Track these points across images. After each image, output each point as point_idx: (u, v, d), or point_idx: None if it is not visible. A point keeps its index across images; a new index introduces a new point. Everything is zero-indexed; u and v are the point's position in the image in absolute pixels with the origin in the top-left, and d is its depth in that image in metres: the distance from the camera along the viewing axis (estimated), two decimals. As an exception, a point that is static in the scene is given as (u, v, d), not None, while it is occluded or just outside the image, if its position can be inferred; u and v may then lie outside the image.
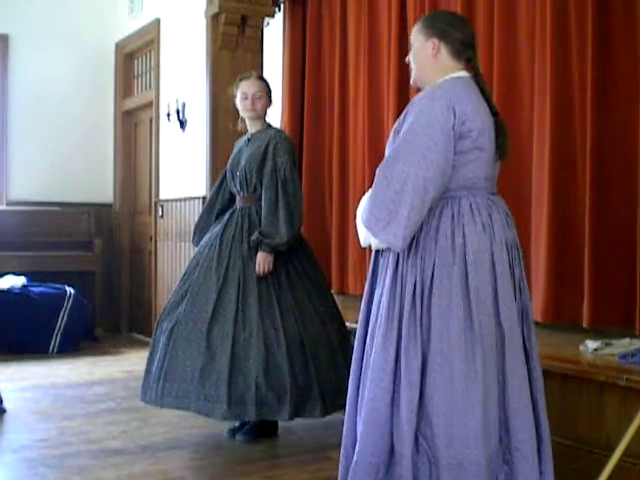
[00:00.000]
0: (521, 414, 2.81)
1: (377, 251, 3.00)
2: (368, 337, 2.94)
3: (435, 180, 2.78)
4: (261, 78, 4.57)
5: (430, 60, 2.99)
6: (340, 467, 2.99)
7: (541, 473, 2.86)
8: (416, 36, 3.03)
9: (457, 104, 2.82)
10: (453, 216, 2.85)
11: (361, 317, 3.03)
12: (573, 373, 3.52)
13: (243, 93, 4.46)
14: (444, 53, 2.98)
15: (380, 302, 2.90)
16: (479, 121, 2.86)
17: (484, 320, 2.79)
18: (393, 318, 2.84)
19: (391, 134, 2.98)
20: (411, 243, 2.84)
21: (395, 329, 2.83)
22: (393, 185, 2.79)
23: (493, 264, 2.84)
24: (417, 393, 2.77)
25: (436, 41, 2.97)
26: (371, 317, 2.95)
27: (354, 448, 2.90)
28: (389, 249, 2.90)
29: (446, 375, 2.76)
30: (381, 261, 2.97)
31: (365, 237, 2.96)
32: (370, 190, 2.88)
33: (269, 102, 4.53)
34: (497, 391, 2.80)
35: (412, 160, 2.77)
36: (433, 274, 2.81)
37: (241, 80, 4.52)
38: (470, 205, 2.88)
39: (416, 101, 2.90)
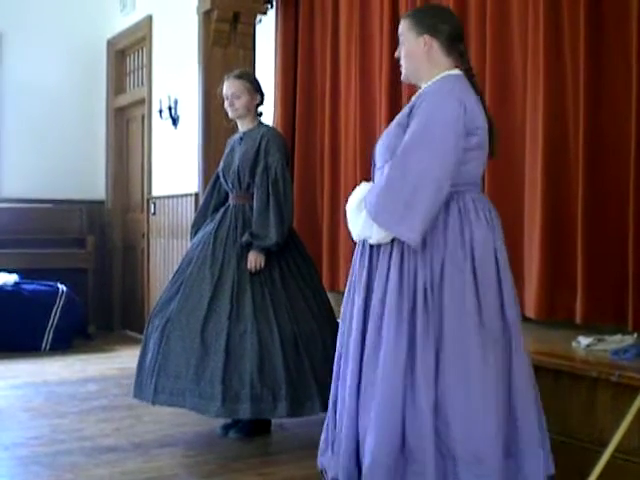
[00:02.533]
0: (528, 412, 2.85)
1: (371, 246, 2.97)
2: (370, 334, 2.89)
3: (449, 175, 2.80)
4: (240, 76, 4.50)
5: (423, 57, 2.99)
6: (339, 468, 2.96)
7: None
8: (406, 33, 3.03)
9: (466, 101, 2.85)
10: (460, 211, 2.87)
11: (356, 314, 2.97)
12: (566, 369, 3.53)
13: (224, 94, 4.47)
14: (436, 49, 2.98)
15: (385, 300, 2.86)
16: (482, 119, 2.90)
17: (493, 316, 2.82)
18: (403, 316, 2.82)
19: (392, 126, 2.96)
20: None
21: (406, 327, 2.81)
22: (410, 179, 2.78)
23: (496, 259, 2.87)
24: (434, 392, 2.77)
25: (427, 37, 2.97)
26: (371, 313, 2.90)
27: (355, 447, 2.89)
28: (390, 244, 2.88)
29: (462, 374, 2.77)
30: (381, 256, 2.93)
31: (361, 231, 2.94)
32: (378, 183, 2.86)
33: (254, 98, 4.49)
34: (507, 389, 2.83)
35: (428, 154, 2.78)
36: (443, 270, 2.81)
37: (225, 81, 4.52)
38: (473, 201, 2.90)
39: (426, 96, 2.89)
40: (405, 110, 2.96)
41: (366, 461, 2.82)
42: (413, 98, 3.02)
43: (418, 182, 2.76)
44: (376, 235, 2.88)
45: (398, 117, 2.99)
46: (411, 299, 2.83)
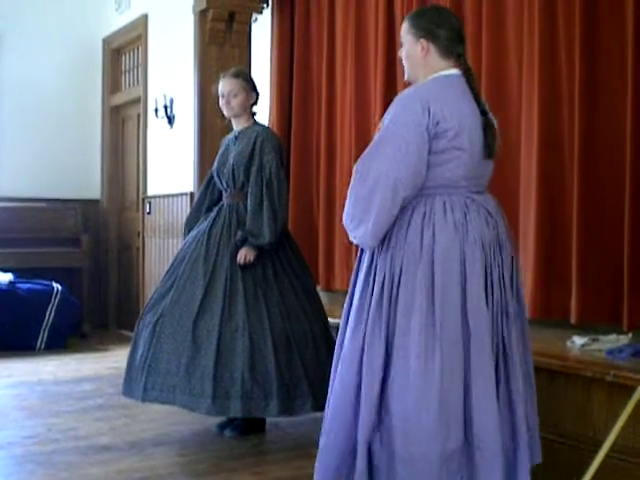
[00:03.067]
0: (486, 414, 2.78)
1: (362, 249, 3.03)
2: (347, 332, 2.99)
3: (407, 180, 2.82)
4: (237, 75, 4.50)
5: (420, 60, 3.01)
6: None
7: (516, 474, 2.85)
8: (405, 36, 3.05)
9: (433, 104, 2.84)
10: (425, 214, 2.88)
11: (345, 311, 3.06)
12: (560, 369, 3.54)
13: (220, 93, 4.47)
14: (433, 53, 2.99)
15: (354, 297, 2.96)
16: (456, 121, 2.86)
17: (449, 318, 2.80)
18: (362, 312, 2.90)
19: (377, 131, 3.01)
20: (384, 238, 2.89)
21: (363, 322, 2.89)
22: (367, 183, 2.85)
23: (463, 263, 2.84)
24: (378, 384, 2.82)
25: (424, 42, 2.99)
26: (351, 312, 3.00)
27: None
28: None
29: (405, 370, 2.80)
30: (363, 257, 3.01)
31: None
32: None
33: (250, 97, 4.49)
34: (461, 390, 2.79)
35: (384, 159, 2.83)
36: (402, 270, 2.85)
37: (221, 79, 4.52)
38: (444, 204, 2.89)
39: (395, 100, 2.95)
40: (385, 114, 2.99)
41: (320, 451, 2.95)
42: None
43: (374, 187, 2.83)
44: (352, 239, 2.98)
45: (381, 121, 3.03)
46: (370, 297, 2.91)
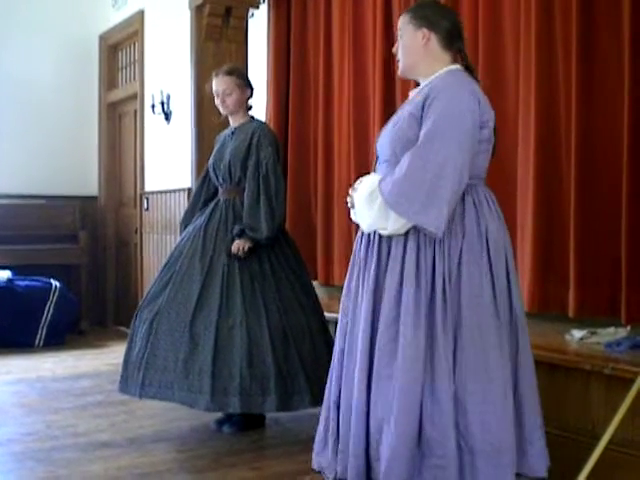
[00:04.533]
0: (532, 398, 2.90)
1: (381, 238, 2.94)
2: (383, 328, 2.86)
3: (467, 166, 2.82)
4: (231, 72, 4.49)
5: (420, 50, 3.00)
6: (347, 467, 2.94)
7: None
8: (405, 27, 3.04)
9: (479, 94, 2.90)
10: (475, 203, 2.89)
11: (364, 309, 2.94)
12: (559, 362, 3.54)
13: (214, 91, 4.47)
14: (434, 43, 2.99)
15: (401, 291, 2.84)
16: (491, 113, 2.94)
17: (505, 307, 2.86)
18: (420, 307, 2.81)
19: (404, 117, 2.94)
20: None
21: (424, 319, 2.80)
22: (431, 168, 2.77)
23: (506, 251, 2.91)
24: (453, 383, 2.77)
25: (426, 31, 2.98)
26: (383, 307, 2.87)
27: (365, 444, 2.88)
28: (403, 235, 2.86)
29: (480, 365, 2.78)
30: (393, 248, 2.90)
31: (373, 221, 2.90)
32: (397, 172, 2.83)
33: (245, 93, 4.49)
34: (513, 376, 2.87)
35: (449, 144, 2.78)
36: (460, 260, 2.82)
37: (214, 77, 4.51)
38: (485, 194, 2.94)
39: (440, 88, 2.88)
40: (417, 101, 2.93)
41: (385, 454, 2.80)
42: (418, 89, 3.04)
43: (440, 172, 2.76)
44: (392, 225, 2.85)
45: (409, 108, 2.96)
46: (429, 290, 2.82)
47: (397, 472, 2.78)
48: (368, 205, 2.91)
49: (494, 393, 2.77)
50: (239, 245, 4.25)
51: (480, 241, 2.84)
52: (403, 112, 3.00)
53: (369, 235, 3.01)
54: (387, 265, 2.91)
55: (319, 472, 3.14)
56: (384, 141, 3.01)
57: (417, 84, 3.15)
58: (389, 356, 2.83)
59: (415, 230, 2.84)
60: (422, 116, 2.87)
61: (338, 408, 3.03)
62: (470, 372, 2.78)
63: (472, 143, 2.83)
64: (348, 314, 3.04)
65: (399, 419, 2.78)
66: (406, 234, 2.86)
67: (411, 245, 2.86)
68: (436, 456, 2.76)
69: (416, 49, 3.01)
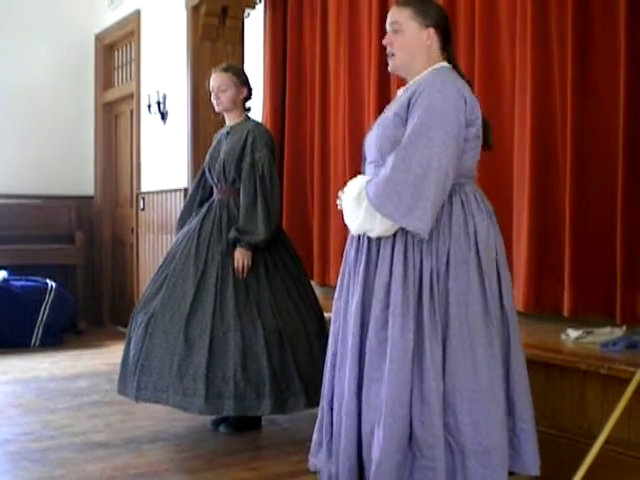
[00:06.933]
0: (524, 395, 2.88)
1: (370, 240, 2.93)
2: (373, 330, 2.85)
3: (453, 165, 2.79)
4: (227, 70, 4.49)
5: (422, 50, 2.97)
6: (340, 469, 2.94)
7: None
8: (406, 22, 2.97)
9: (465, 92, 2.86)
10: (462, 203, 2.87)
11: (354, 311, 2.93)
12: (555, 362, 3.54)
13: (210, 87, 4.47)
14: (435, 44, 2.98)
15: (390, 292, 2.83)
16: (479, 110, 2.90)
17: (495, 305, 2.85)
18: (409, 308, 2.79)
19: (389, 117, 2.92)
20: None
21: (412, 320, 2.79)
22: (414, 169, 2.74)
23: (496, 251, 2.90)
24: (442, 383, 2.76)
25: (432, 31, 2.96)
26: (373, 309, 2.86)
27: (357, 446, 2.88)
28: (391, 237, 2.85)
29: (469, 363, 2.77)
30: (382, 250, 2.89)
31: (361, 224, 2.88)
32: (382, 174, 2.81)
33: (240, 92, 4.47)
34: (503, 375, 2.86)
35: (432, 144, 2.74)
36: (448, 260, 2.81)
37: (212, 74, 4.51)
38: (474, 193, 2.92)
39: (425, 86, 2.85)
40: (402, 100, 2.91)
41: (375, 457, 2.79)
42: (404, 88, 3.01)
43: (423, 172, 2.73)
44: (379, 227, 2.83)
45: (394, 108, 2.94)
46: (416, 290, 2.81)
47: (387, 474, 2.77)
48: (356, 207, 2.89)
49: (484, 392, 2.76)
50: (240, 262, 4.21)
51: (468, 241, 2.83)
52: (389, 112, 2.97)
53: (359, 237, 2.99)
54: (376, 267, 2.90)
55: (314, 473, 3.14)
56: (370, 142, 2.99)
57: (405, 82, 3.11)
58: (379, 359, 2.83)
59: (403, 231, 2.83)
60: (407, 115, 2.85)
61: (332, 410, 3.03)
62: (459, 372, 2.77)
63: (458, 142, 2.80)
64: (340, 317, 3.04)
65: (388, 421, 2.77)
66: (394, 235, 2.85)
67: (399, 246, 2.85)
68: (426, 457, 2.75)
69: (418, 48, 2.96)
